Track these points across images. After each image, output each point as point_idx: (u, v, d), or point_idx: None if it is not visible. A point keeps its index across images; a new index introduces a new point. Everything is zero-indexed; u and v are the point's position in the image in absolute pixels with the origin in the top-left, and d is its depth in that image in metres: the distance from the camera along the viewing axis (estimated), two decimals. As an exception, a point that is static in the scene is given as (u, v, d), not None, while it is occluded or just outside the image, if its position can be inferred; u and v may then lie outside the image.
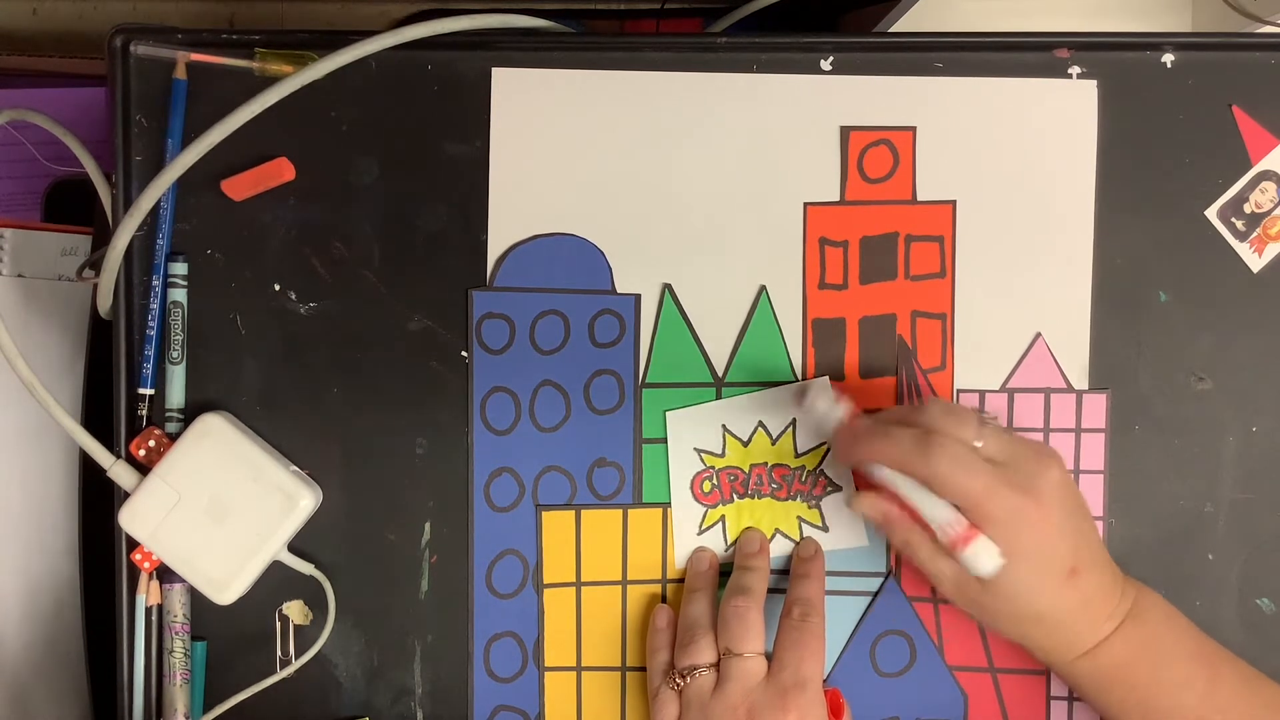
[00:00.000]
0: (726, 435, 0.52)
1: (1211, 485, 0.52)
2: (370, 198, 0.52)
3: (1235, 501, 0.52)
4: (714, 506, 0.52)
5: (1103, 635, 0.47)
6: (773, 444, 0.52)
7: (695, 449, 0.52)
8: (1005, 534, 0.45)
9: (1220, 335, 0.52)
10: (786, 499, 0.52)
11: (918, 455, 0.45)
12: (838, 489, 0.52)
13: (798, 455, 0.52)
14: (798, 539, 0.52)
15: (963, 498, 0.45)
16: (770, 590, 0.51)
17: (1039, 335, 0.52)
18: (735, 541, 0.52)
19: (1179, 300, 0.52)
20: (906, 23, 0.62)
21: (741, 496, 0.52)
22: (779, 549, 0.52)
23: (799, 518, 0.52)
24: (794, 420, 0.52)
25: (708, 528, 0.52)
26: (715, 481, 0.52)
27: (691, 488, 0.52)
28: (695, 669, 0.48)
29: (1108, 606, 0.47)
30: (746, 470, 0.52)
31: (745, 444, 0.52)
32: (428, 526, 0.53)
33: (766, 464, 0.52)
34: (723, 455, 0.52)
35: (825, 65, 0.52)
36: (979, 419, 0.46)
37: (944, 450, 0.45)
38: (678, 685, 0.48)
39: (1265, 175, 0.52)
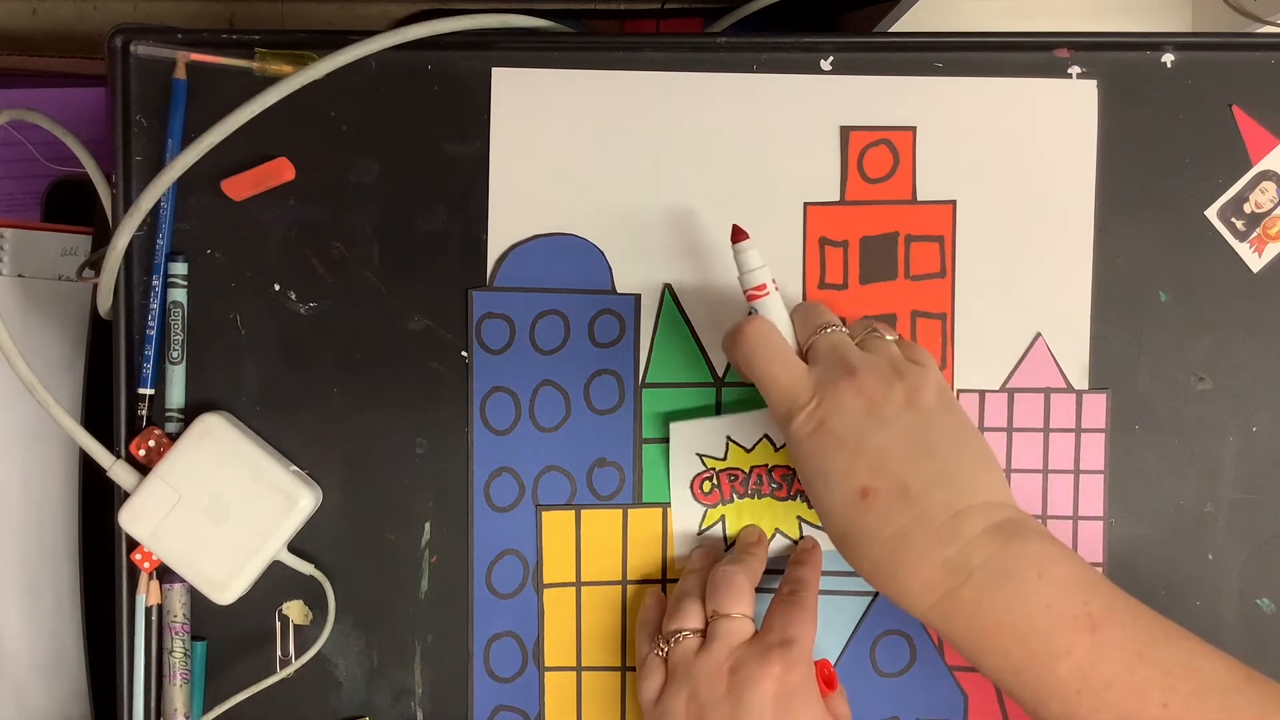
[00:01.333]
0: (730, 444, 0.52)
1: (1211, 485, 0.52)
2: (370, 198, 0.52)
3: (1235, 501, 0.52)
4: (714, 506, 0.52)
5: (943, 584, 0.42)
6: (775, 450, 0.52)
7: (697, 454, 0.52)
8: (786, 432, 0.45)
9: (1220, 335, 0.52)
10: (786, 499, 0.52)
11: (729, 339, 0.47)
12: None
13: None
14: (797, 538, 0.52)
15: (759, 386, 0.46)
16: (767, 590, 0.51)
17: (1039, 335, 0.52)
18: (735, 538, 0.52)
19: (1179, 300, 0.52)
20: (906, 23, 0.62)
21: (741, 496, 0.52)
22: (778, 547, 0.52)
23: (799, 517, 0.52)
24: None
25: (708, 527, 0.52)
26: (715, 482, 0.52)
27: (691, 488, 0.52)
28: (681, 632, 0.47)
29: (934, 547, 0.42)
30: (747, 470, 0.52)
31: (748, 451, 0.52)
32: (428, 526, 0.53)
33: (767, 465, 0.52)
34: (724, 459, 0.52)
35: (825, 65, 0.52)
36: (830, 320, 0.47)
37: (742, 336, 0.46)
38: (663, 650, 0.48)
39: (1265, 175, 0.52)
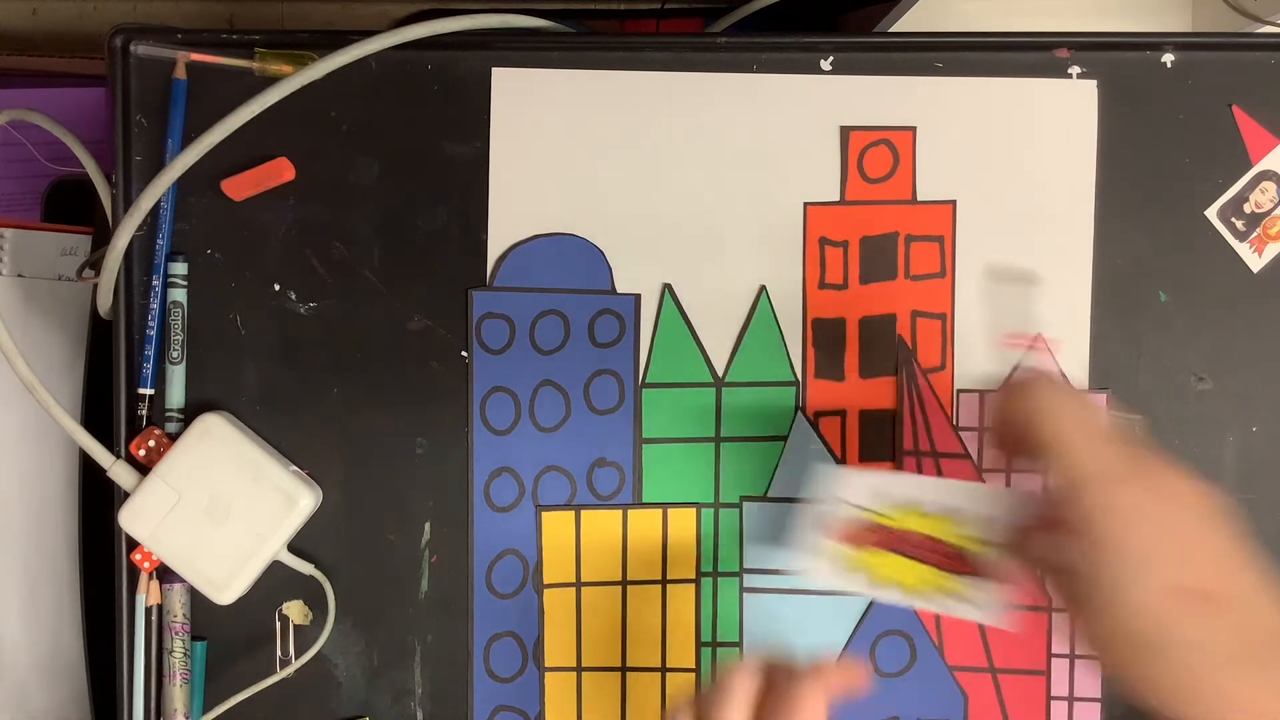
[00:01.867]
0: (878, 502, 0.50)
1: (1211, 485, 0.52)
2: (370, 198, 0.52)
3: (1235, 501, 0.52)
4: (853, 550, 0.48)
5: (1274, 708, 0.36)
6: (924, 516, 0.50)
7: (845, 501, 0.48)
8: (1094, 502, 0.38)
9: (1220, 335, 0.52)
10: (929, 566, 0.50)
11: (1018, 394, 0.41)
12: (985, 574, 0.47)
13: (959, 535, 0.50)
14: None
15: (1050, 446, 0.40)
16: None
17: (1039, 335, 0.52)
18: (873, 587, 0.48)
19: (1179, 300, 0.52)
20: (906, 23, 0.62)
21: (885, 550, 0.48)
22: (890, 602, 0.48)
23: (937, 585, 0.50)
24: (955, 510, 0.48)
25: (844, 569, 0.48)
26: (860, 530, 0.48)
27: (831, 529, 0.48)
28: None
29: (1275, 669, 0.37)
30: (896, 529, 0.49)
31: (901, 513, 0.50)
32: (428, 526, 0.53)
33: (917, 532, 0.50)
34: (874, 512, 0.49)
35: (825, 65, 0.52)
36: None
37: (1038, 393, 0.40)
38: None
39: (1265, 175, 0.52)
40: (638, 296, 0.52)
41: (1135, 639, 0.37)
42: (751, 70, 0.52)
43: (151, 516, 0.50)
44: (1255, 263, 0.52)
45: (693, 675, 0.53)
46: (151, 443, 0.51)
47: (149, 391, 0.52)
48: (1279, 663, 0.37)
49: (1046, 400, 0.40)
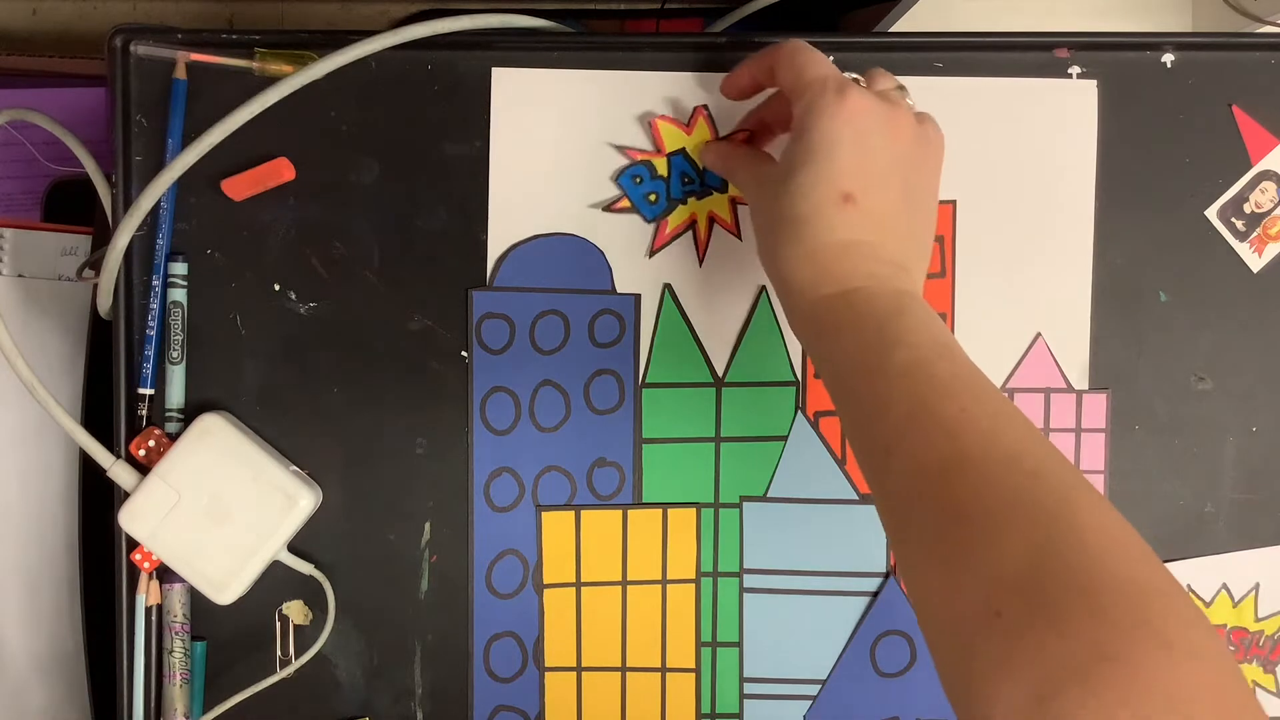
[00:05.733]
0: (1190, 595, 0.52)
1: (1211, 485, 0.52)
2: (370, 198, 0.52)
3: (1235, 501, 0.52)
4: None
5: (850, 284, 0.42)
6: (1234, 606, 0.52)
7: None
8: (799, 119, 0.44)
9: (1220, 335, 0.52)
10: (1242, 662, 0.52)
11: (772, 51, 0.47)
12: None
13: (1258, 619, 0.52)
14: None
15: (789, 66, 0.46)
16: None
17: (1039, 335, 0.52)
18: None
19: (1179, 300, 0.52)
20: (906, 23, 0.62)
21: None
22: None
23: (1253, 682, 0.52)
24: (1257, 585, 0.52)
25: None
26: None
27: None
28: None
29: (873, 270, 0.43)
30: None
31: (1207, 605, 0.52)
32: (428, 526, 0.53)
33: (1226, 625, 0.52)
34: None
35: (825, 65, 0.52)
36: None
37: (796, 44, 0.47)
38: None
39: (1265, 175, 0.52)
40: (638, 296, 0.52)
41: (786, 215, 0.44)
42: (751, 70, 0.52)
43: (151, 516, 0.50)
44: (1255, 263, 0.52)
45: (693, 675, 0.53)
46: (151, 443, 0.51)
47: (149, 391, 0.52)
48: (893, 278, 0.43)
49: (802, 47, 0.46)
